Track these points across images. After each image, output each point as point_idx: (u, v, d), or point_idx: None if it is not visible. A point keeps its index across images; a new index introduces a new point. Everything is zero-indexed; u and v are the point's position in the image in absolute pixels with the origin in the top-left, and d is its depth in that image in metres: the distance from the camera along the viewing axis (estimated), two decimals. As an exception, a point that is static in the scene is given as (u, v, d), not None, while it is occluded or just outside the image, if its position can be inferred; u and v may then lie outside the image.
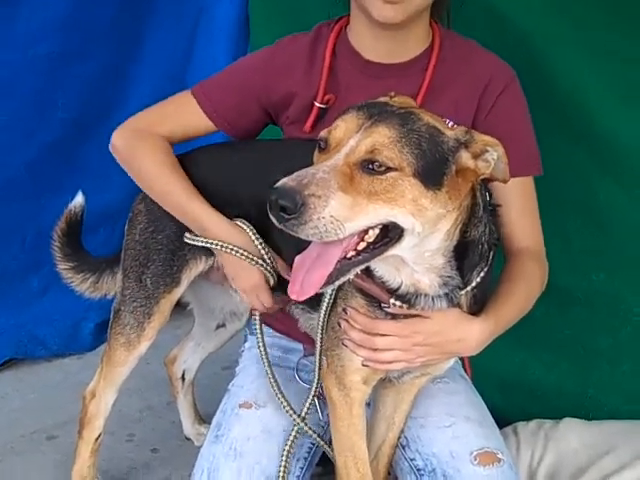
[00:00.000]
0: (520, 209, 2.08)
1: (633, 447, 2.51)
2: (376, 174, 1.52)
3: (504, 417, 2.53)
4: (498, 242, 1.87)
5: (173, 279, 2.22)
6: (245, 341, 2.55)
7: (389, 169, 1.52)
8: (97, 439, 2.47)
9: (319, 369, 2.02)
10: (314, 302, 1.97)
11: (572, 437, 2.59)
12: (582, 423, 2.65)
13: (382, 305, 1.81)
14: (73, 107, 3.42)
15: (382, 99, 1.75)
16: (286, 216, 1.46)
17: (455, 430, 2.07)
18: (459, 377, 2.29)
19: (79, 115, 3.45)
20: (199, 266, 2.23)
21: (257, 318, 2.18)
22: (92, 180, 3.27)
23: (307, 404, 2.07)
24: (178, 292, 2.26)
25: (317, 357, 2.01)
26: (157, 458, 2.92)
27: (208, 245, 2.09)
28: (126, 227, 2.31)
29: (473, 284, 1.79)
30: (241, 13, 3.49)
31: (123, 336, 2.30)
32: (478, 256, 1.77)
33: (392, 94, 1.80)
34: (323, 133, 1.63)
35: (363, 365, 1.88)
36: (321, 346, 1.98)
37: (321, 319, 1.96)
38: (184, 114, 2.24)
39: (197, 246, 2.13)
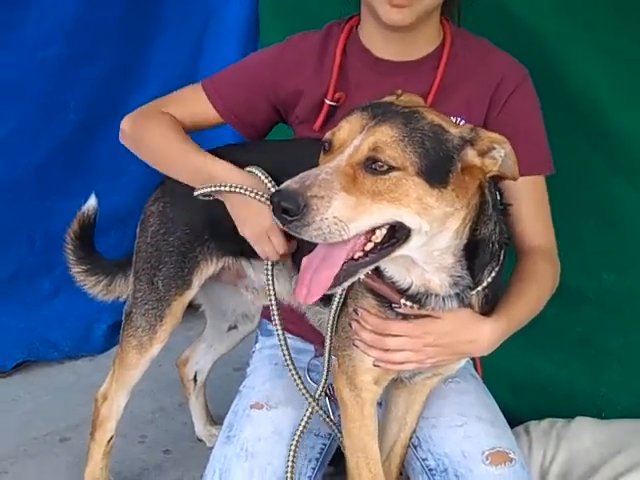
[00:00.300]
0: (531, 208, 2.07)
1: (645, 446, 2.50)
2: (379, 174, 1.52)
3: (516, 416, 2.52)
4: (509, 241, 1.86)
5: (185, 281, 2.22)
6: (256, 342, 2.54)
7: (392, 168, 1.52)
8: (109, 441, 2.47)
9: (328, 364, 2.01)
10: (324, 297, 1.96)
11: (584, 436, 2.58)
12: (594, 422, 2.64)
13: (393, 305, 1.80)
14: (82, 109, 3.44)
15: (387, 99, 1.75)
16: (289, 218, 1.46)
17: (467, 430, 2.07)
18: (470, 377, 2.29)
19: (88, 117, 3.46)
20: (210, 268, 2.23)
21: (269, 270, 2.06)
22: (102, 182, 3.29)
23: (320, 387, 2.05)
24: (190, 294, 2.26)
25: (326, 353, 2.00)
26: (169, 459, 2.93)
27: (216, 189, 2.01)
28: (138, 229, 2.31)
29: (484, 284, 1.77)
30: (251, 14, 3.50)
31: (135, 339, 2.30)
32: (489, 255, 1.75)
33: (399, 92, 1.79)
34: (327, 135, 1.63)
35: (374, 365, 1.87)
36: (330, 343, 1.98)
37: (331, 319, 1.96)
38: (193, 105, 2.24)
39: (205, 195, 2.04)
